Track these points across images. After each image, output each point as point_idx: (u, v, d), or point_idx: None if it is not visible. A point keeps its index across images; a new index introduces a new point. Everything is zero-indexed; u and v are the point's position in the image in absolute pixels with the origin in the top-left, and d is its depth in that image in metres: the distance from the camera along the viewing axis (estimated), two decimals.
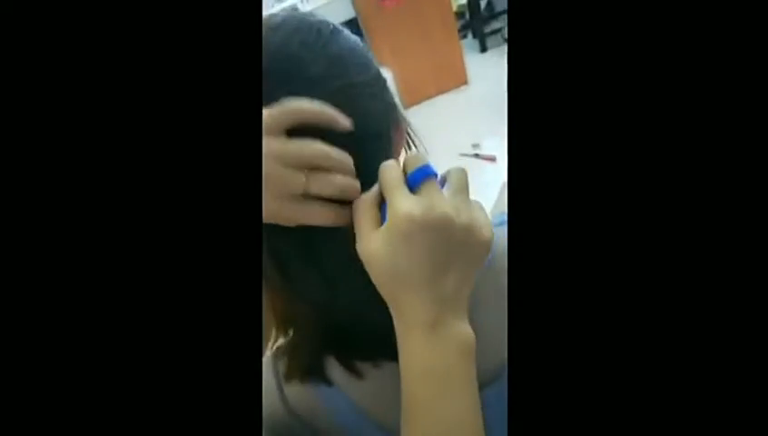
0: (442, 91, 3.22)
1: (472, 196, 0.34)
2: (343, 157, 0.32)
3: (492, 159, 2.50)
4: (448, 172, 0.34)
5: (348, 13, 2.88)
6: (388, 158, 0.35)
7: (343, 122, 0.32)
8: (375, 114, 0.36)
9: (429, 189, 0.31)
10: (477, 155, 2.56)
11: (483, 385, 0.40)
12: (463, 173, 0.34)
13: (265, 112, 0.31)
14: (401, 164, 0.34)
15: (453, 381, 0.32)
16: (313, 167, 0.31)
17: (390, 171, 0.32)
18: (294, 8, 2.73)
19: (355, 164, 0.33)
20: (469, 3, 3.34)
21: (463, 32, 3.68)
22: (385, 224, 0.31)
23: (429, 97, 3.22)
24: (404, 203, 0.30)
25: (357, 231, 0.32)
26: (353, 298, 0.38)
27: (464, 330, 0.32)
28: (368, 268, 0.32)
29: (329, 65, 0.33)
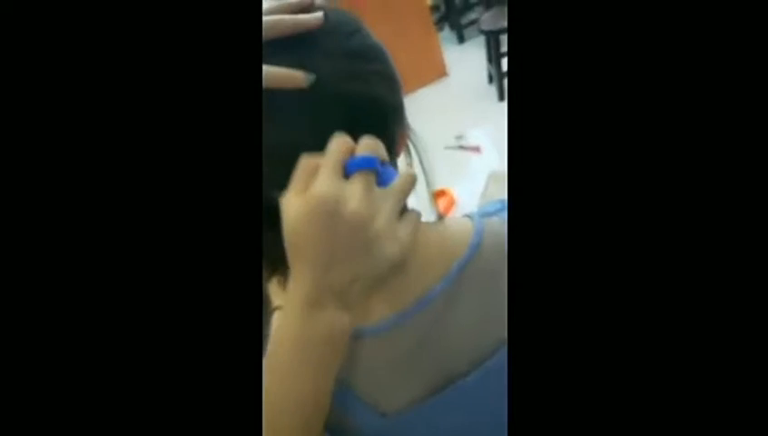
0: (423, 84, 3.22)
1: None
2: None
3: (476, 149, 2.51)
4: (400, 174, 0.33)
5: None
6: (388, 151, 0.35)
7: (313, 19, 0.33)
8: (385, 105, 0.36)
9: (357, 181, 0.31)
10: (461, 147, 2.57)
11: (458, 375, 0.41)
12: (408, 180, 0.33)
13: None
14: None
15: (307, 362, 0.33)
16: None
17: (336, 145, 0.32)
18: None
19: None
20: None
21: (440, 24, 3.69)
22: (305, 194, 0.31)
23: (410, 91, 3.22)
24: (323, 184, 0.30)
25: (290, 185, 0.32)
26: None
27: (339, 319, 0.32)
28: (283, 225, 0.32)
29: (361, 45, 0.36)
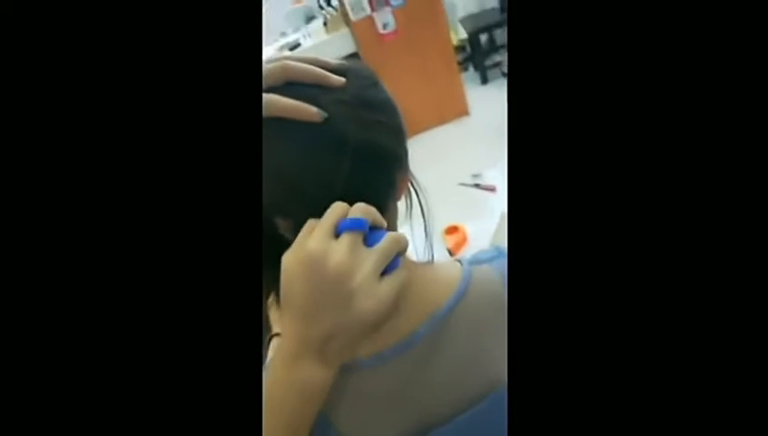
0: (444, 121, 3.26)
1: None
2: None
3: (492, 189, 2.51)
4: (386, 236, 0.35)
5: (349, 47, 2.95)
6: (388, 194, 0.39)
7: (335, 80, 0.36)
8: (387, 153, 0.39)
9: (343, 240, 0.33)
10: (477, 185, 2.57)
11: (438, 421, 0.41)
12: (395, 241, 0.35)
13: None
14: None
15: (282, 408, 0.35)
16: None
17: (333, 209, 0.35)
18: (297, 43, 2.78)
19: (356, 187, 0.36)
20: (470, 37, 3.42)
21: (464, 64, 3.76)
22: (297, 250, 0.34)
23: (430, 127, 3.26)
24: (313, 240, 0.33)
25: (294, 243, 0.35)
26: None
27: (317, 375, 0.35)
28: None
29: (373, 97, 0.39)
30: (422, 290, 0.43)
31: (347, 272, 0.32)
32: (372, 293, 0.33)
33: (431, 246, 0.50)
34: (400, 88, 3.02)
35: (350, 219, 0.34)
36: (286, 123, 0.35)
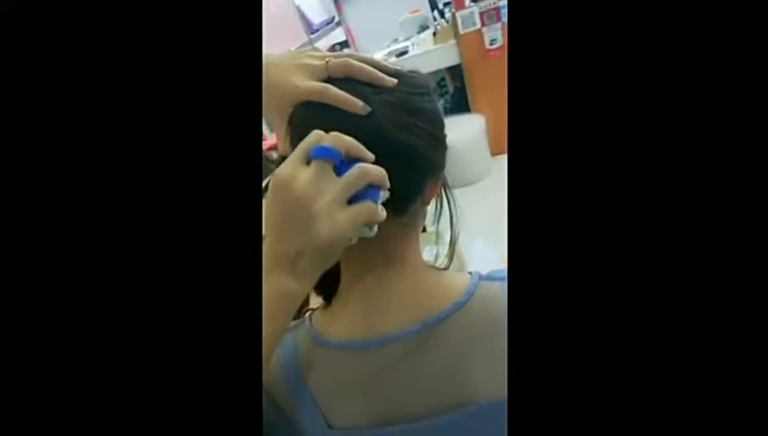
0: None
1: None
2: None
3: None
4: (354, 166, 0.36)
5: (453, 59, 2.99)
6: (413, 197, 0.42)
7: (387, 81, 0.40)
8: (419, 157, 0.41)
9: (312, 166, 0.35)
10: None
11: (408, 418, 0.42)
12: (363, 173, 0.36)
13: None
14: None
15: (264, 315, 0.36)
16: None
17: (309, 138, 0.37)
18: (405, 50, 2.84)
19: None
20: None
21: None
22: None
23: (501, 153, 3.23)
24: (285, 166, 0.36)
25: None
26: None
27: (289, 286, 0.36)
28: None
29: (419, 105, 0.41)
30: (422, 292, 0.45)
31: (309, 197, 0.34)
32: (330, 219, 0.34)
33: (452, 254, 0.52)
34: (497, 104, 3.04)
35: (320, 147, 0.36)
36: (334, 112, 0.39)
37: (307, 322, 0.49)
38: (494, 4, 2.69)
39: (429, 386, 0.42)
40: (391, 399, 0.43)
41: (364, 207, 0.36)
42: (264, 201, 0.36)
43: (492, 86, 2.96)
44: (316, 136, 0.36)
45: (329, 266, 0.37)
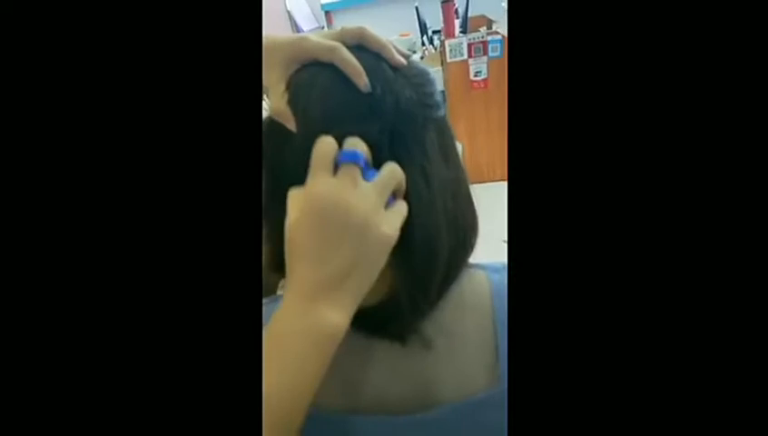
0: (506, 179, 3.28)
1: None
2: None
3: None
4: (383, 166, 0.35)
5: (438, 85, 3.06)
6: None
7: (398, 59, 0.38)
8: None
9: (345, 173, 0.33)
10: None
11: (419, 409, 0.41)
12: (393, 171, 0.35)
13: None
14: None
15: (291, 364, 0.32)
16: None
17: (323, 147, 0.34)
18: None
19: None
20: None
21: None
22: (301, 193, 0.34)
23: (492, 181, 3.30)
24: (314, 181, 0.33)
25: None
26: None
27: (330, 320, 0.32)
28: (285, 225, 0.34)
29: (426, 89, 0.40)
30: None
31: (355, 205, 0.32)
32: (379, 225, 0.33)
33: None
34: (476, 134, 3.09)
35: (349, 152, 0.34)
36: (339, 76, 0.36)
37: None
38: (482, 37, 2.75)
39: (409, 381, 0.41)
40: (373, 386, 0.41)
41: (402, 206, 0.35)
42: (293, 229, 0.34)
43: (472, 116, 3.02)
44: (329, 144, 0.34)
45: (373, 282, 0.34)
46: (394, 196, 0.36)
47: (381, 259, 0.34)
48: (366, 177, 0.34)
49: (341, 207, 0.32)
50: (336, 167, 0.34)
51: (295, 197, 0.34)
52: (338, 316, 0.33)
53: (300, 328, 0.32)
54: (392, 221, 0.34)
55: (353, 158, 0.34)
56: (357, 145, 0.34)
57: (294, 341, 0.32)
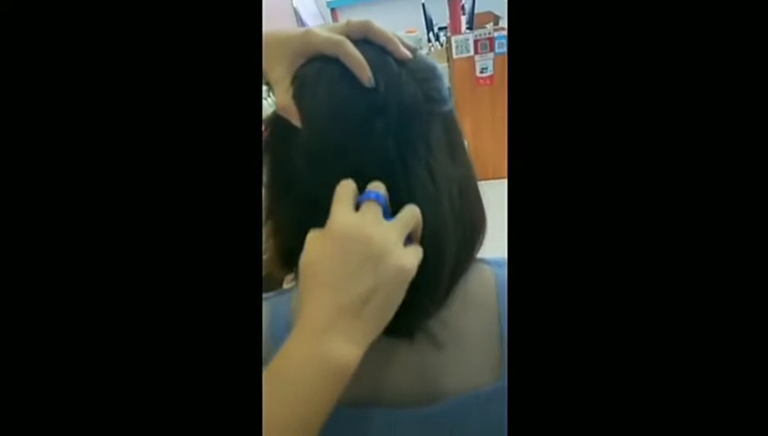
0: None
1: None
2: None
3: None
4: (404, 207, 0.36)
5: (445, 80, 3.06)
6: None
7: (403, 52, 0.38)
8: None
9: (367, 209, 0.34)
10: None
11: (413, 403, 0.41)
12: (412, 211, 0.36)
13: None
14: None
15: (302, 391, 0.32)
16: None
17: (344, 187, 0.35)
18: None
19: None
20: None
21: None
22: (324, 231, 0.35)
23: (495, 178, 3.29)
24: (336, 214, 0.34)
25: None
26: None
27: (344, 354, 0.32)
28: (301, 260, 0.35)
29: (432, 85, 0.39)
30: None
31: (376, 238, 0.33)
32: (404, 255, 0.34)
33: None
34: (481, 131, 3.09)
35: (373, 191, 0.35)
36: (344, 72, 0.36)
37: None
38: (489, 33, 2.75)
39: (416, 376, 0.41)
40: (379, 383, 0.41)
41: (418, 250, 0.35)
42: (309, 258, 0.34)
43: (477, 113, 3.01)
44: (351, 186, 0.36)
45: (391, 314, 0.34)
46: (411, 239, 0.36)
47: (400, 291, 0.34)
48: (385, 215, 0.35)
49: (363, 238, 0.33)
50: (358, 206, 0.35)
51: (314, 235, 0.35)
52: (351, 349, 0.32)
53: (313, 359, 0.32)
54: (411, 257, 0.34)
55: (377, 197, 0.35)
56: (379, 188, 0.36)
57: (306, 372, 0.32)
